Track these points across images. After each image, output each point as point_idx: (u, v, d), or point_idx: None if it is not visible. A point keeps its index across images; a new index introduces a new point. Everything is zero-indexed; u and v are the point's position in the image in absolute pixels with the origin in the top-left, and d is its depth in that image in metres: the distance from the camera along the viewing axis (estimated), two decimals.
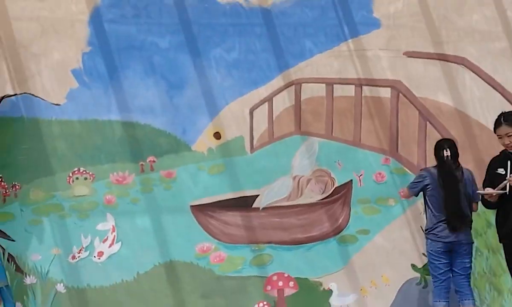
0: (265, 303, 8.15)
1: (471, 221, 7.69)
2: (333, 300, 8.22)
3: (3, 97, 7.76)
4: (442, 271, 7.58)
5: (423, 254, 8.23)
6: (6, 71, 7.83)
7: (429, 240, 7.65)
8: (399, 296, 8.40)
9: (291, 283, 8.20)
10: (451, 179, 7.56)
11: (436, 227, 7.57)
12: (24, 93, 7.85)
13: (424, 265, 8.40)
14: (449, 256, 7.58)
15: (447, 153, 7.59)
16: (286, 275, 8.21)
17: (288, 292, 8.16)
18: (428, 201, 7.70)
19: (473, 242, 7.76)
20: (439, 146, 7.71)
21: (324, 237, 8.33)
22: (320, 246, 8.30)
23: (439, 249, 7.54)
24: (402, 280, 8.43)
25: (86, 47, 8.08)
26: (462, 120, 8.73)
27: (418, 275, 8.44)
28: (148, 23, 8.23)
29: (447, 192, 7.51)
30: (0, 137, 7.72)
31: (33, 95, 7.87)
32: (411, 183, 7.87)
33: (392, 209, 8.52)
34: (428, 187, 7.64)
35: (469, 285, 7.70)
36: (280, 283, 8.19)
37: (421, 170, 8.01)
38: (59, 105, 7.94)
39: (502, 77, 8.90)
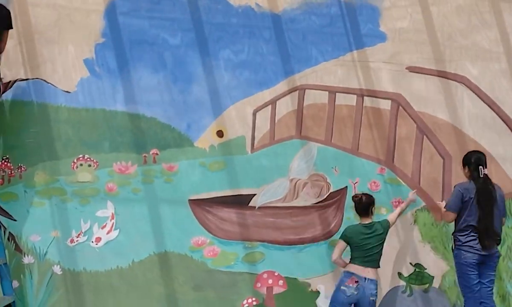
0: (254, 299, 8.23)
1: (500, 238, 7.78)
2: (320, 301, 8.27)
3: (15, 81, 7.83)
4: (476, 281, 7.59)
5: (410, 263, 8.35)
6: (20, 55, 7.87)
7: (462, 251, 7.61)
8: (384, 302, 8.47)
9: (281, 282, 8.27)
10: (487, 199, 7.60)
11: (473, 239, 7.58)
12: (36, 78, 7.90)
13: (410, 274, 8.52)
14: (479, 267, 7.63)
15: (484, 170, 7.67)
16: (276, 273, 8.27)
17: (277, 290, 8.22)
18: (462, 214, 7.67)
19: (500, 255, 7.86)
20: (475, 161, 7.73)
21: (316, 240, 8.40)
22: (311, 248, 8.36)
23: (474, 260, 7.56)
24: (388, 287, 8.51)
25: (100, 38, 8.14)
26: (457, 136, 8.79)
27: (403, 283, 8.52)
28: (161, 19, 8.28)
29: (481, 212, 7.56)
30: (9, 119, 7.77)
31: (44, 80, 7.91)
32: (450, 203, 7.79)
33: (384, 218, 8.54)
34: (465, 202, 7.63)
35: (493, 297, 7.80)
36: (270, 281, 8.26)
37: (455, 186, 7.90)
38: (69, 92, 8.00)
39: (499, 96, 8.98)
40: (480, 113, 8.92)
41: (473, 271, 7.58)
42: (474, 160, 7.73)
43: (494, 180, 7.97)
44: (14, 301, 7.48)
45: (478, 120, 8.90)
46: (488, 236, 7.56)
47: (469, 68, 8.92)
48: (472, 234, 7.59)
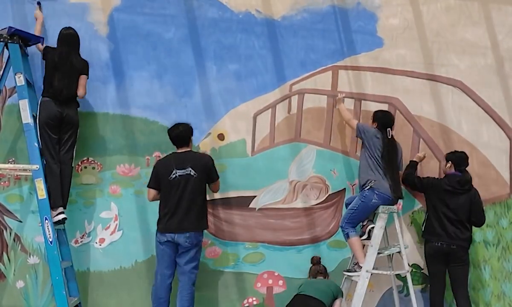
0: (254, 299, 8.19)
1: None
2: None
3: None
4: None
5: (408, 264, 8.23)
6: None
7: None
8: (381, 302, 8.40)
9: (280, 282, 8.23)
10: None
11: None
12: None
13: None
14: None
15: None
16: (276, 274, 8.23)
17: (276, 290, 8.18)
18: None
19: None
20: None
21: (315, 241, 8.32)
22: (311, 249, 8.28)
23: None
24: (385, 287, 8.42)
25: (104, 42, 8.21)
26: (454, 139, 8.68)
27: (401, 283, 8.40)
28: (164, 20, 8.32)
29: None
30: (15, 122, 7.77)
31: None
32: None
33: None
34: None
35: None
36: (270, 281, 8.22)
37: None
38: None
39: (487, 91, 8.79)
40: (474, 114, 8.75)
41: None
42: None
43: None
44: (80, 302, 7.71)
45: (473, 122, 8.74)
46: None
47: (456, 62, 8.76)
48: None
